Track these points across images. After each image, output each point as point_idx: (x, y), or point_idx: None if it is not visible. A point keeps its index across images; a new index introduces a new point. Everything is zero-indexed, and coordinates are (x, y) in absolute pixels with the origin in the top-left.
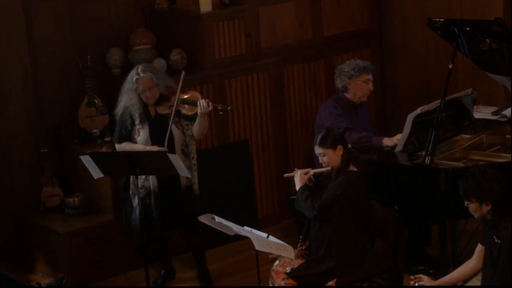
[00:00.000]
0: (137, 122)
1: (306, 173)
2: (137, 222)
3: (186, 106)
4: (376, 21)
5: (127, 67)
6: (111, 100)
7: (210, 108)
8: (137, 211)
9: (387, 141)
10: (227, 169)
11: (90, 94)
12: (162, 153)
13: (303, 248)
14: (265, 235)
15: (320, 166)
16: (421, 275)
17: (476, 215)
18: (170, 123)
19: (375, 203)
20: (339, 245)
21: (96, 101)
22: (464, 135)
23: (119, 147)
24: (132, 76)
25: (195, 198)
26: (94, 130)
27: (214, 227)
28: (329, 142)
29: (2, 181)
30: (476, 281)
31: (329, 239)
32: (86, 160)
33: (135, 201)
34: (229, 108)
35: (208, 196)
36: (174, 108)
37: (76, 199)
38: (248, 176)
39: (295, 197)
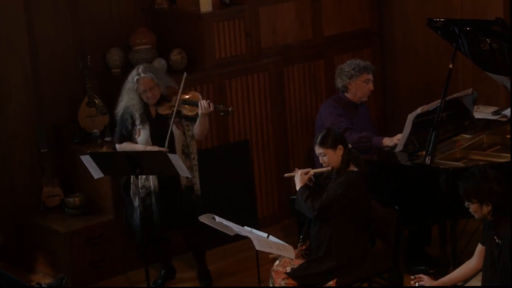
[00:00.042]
0: (137, 122)
1: (306, 173)
2: (138, 222)
3: (187, 106)
4: (377, 21)
5: (127, 67)
6: (111, 100)
7: (211, 108)
8: (138, 211)
9: (388, 141)
10: (227, 169)
11: (90, 94)
12: (162, 153)
13: (303, 248)
14: (265, 235)
15: (321, 166)
16: (421, 275)
17: (476, 216)
18: (171, 123)
19: (375, 203)
20: (340, 245)
21: (96, 101)
22: (464, 135)
23: (119, 147)
24: (133, 76)
25: (197, 198)
26: (94, 130)
27: (215, 227)
28: (330, 142)
29: (2, 181)
30: (476, 281)
31: (329, 239)
32: (87, 160)
33: (136, 201)
34: (230, 109)
35: (208, 196)
36: (175, 109)
37: (77, 199)
38: (248, 176)
39: (295, 197)
